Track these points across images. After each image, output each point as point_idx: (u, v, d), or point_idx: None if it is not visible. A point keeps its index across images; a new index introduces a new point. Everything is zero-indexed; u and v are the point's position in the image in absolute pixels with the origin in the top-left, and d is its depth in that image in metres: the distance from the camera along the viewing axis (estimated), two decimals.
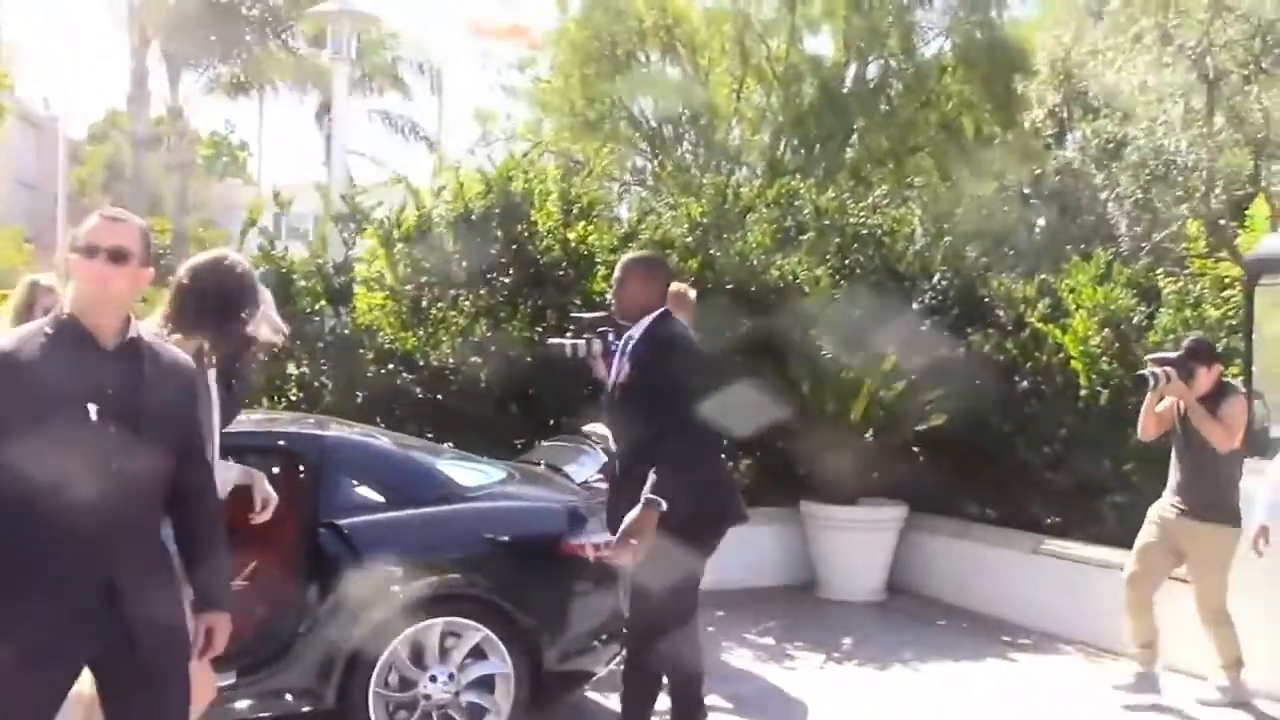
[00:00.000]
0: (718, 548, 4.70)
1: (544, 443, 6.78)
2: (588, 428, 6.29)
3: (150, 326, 3.40)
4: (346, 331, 7.88)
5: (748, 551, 8.23)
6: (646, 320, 4.56)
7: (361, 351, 7.85)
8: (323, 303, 7.92)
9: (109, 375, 2.92)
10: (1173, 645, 6.19)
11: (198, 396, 3.23)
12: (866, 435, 8.42)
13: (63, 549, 2.84)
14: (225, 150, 47.66)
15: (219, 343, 3.68)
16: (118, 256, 2.92)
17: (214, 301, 3.68)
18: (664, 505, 4.14)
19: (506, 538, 4.93)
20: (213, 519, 3.24)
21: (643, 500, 4.15)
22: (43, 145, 38.64)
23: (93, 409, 2.86)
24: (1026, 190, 9.60)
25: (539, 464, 6.05)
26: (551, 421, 8.06)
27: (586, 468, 5.74)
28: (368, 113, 26.47)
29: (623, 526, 4.21)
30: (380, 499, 4.83)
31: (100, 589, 2.88)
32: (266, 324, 3.88)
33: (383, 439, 5.21)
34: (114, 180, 34.25)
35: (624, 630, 5.19)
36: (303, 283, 7.90)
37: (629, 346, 4.58)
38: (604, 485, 5.59)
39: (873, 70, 12.66)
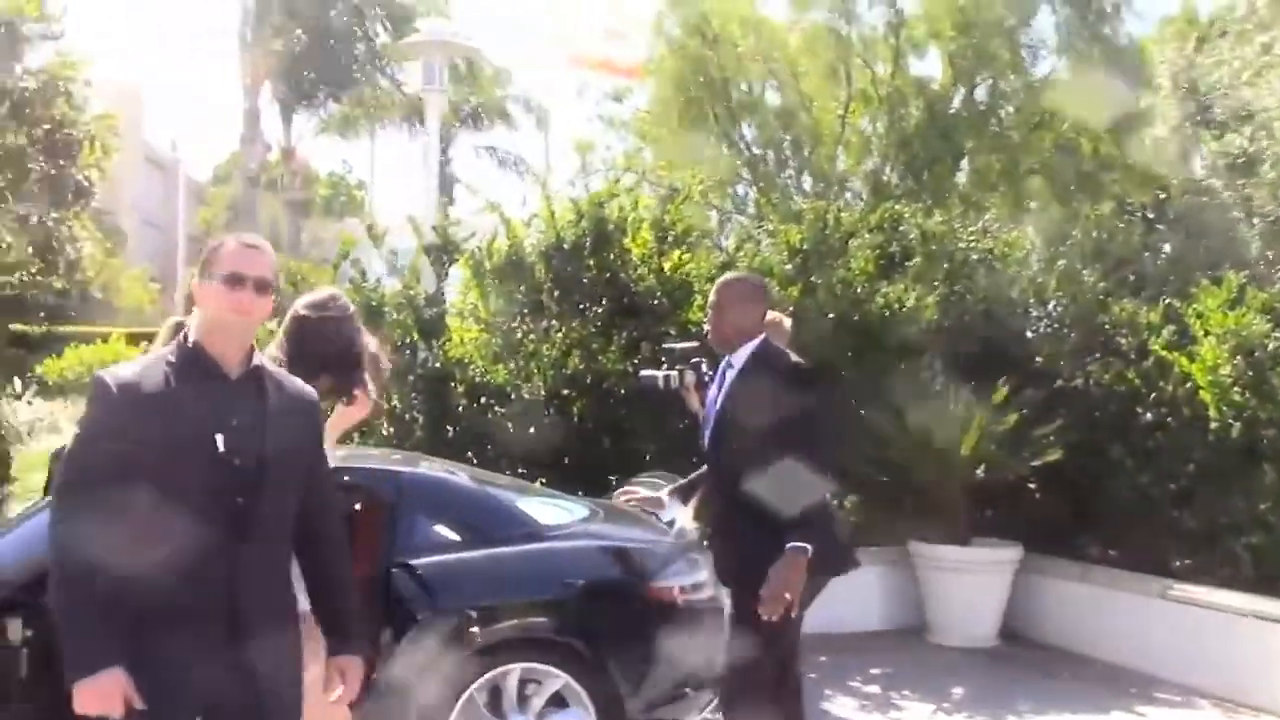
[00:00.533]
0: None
1: (634, 480, 6.51)
2: (641, 478, 6.05)
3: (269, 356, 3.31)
4: (437, 365, 7.73)
5: (854, 593, 7.84)
6: (749, 347, 4.22)
7: (453, 385, 7.71)
8: (414, 335, 7.79)
9: (235, 406, 2.82)
10: None
11: (321, 428, 3.08)
12: (978, 471, 8.00)
13: (190, 585, 2.72)
14: (343, 190, 48.75)
15: (336, 387, 3.69)
16: (262, 286, 2.86)
17: (335, 345, 3.79)
18: (810, 550, 3.78)
19: (588, 579, 4.69)
20: (341, 557, 3.09)
21: (790, 548, 3.76)
22: (168, 186, 39.99)
23: (220, 440, 2.76)
24: (1149, 212, 9.07)
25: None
26: (646, 457, 7.81)
27: (675, 507, 5.46)
28: (475, 148, 26.75)
29: (771, 581, 3.76)
30: (457, 538, 4.62)
31: (226, 624, 2.76)
32: (375, 380, 3.85)
33: (462, 475, 4.99)
34: (236, 220, 35.13)
35: (720, 677, 4.93)
36: (394, 315, 7.80)
37: (731, 376, 4.22)
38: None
39: (981, 92, 12.23)
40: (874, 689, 6.78)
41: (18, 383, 13.86)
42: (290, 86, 22.44)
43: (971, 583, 7.81)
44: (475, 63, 23.85)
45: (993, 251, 8.87)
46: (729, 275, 4.56)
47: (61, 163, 9.82)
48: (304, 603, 3.04)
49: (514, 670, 4.51)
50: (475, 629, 4.45)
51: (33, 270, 13.58)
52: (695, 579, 4.89)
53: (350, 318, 3.95)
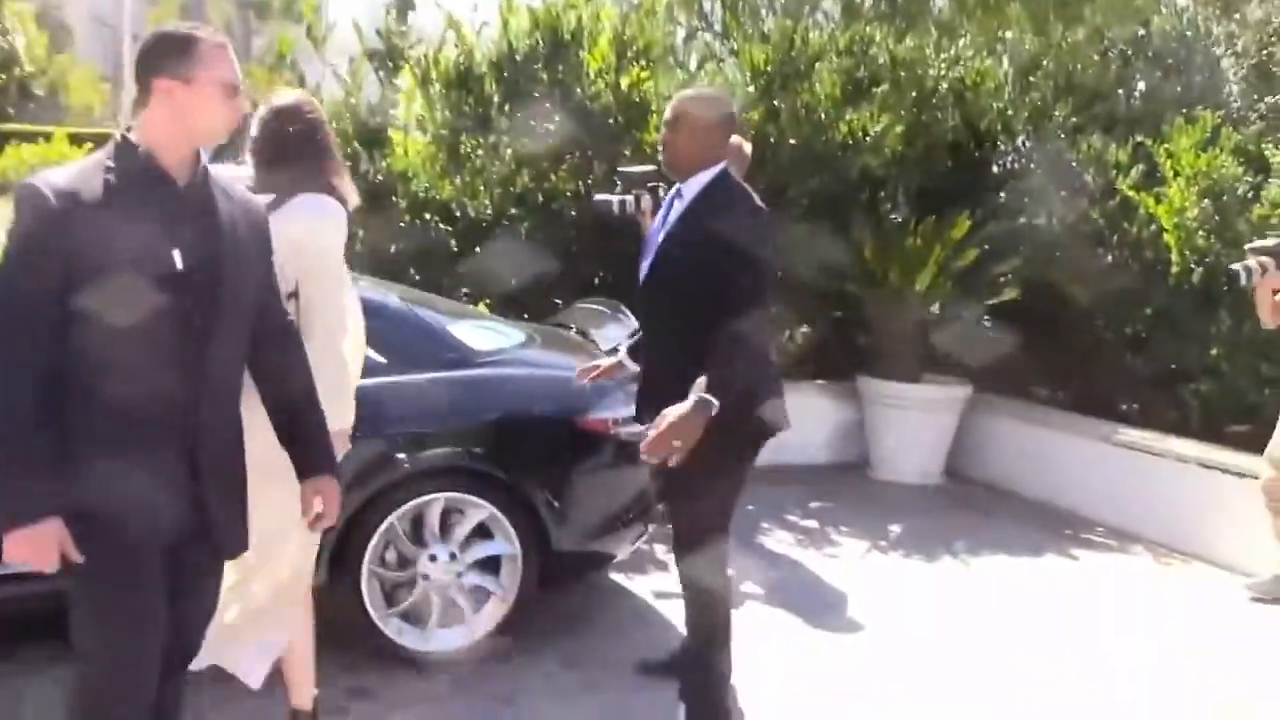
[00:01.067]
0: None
1: (579, 304, 6.30)
2: (587, 303, 5.82)
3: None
4: (379, 178, 7.39)
5: (799, 426, 7.63)
6: (703, 176, 3.70)
7: (395, 199, 7.39)
8: (355, 145, 7.42)
9: (187, 217, 2.54)
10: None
11: (270, 239, 2.81)
12: (932, 308, 7.84)
13: (147, 415, 2.49)
14: None
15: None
16: (238, 92, 2.63)
17: (310, 148, 3.48)
18: (716, 407, 3.41)
19: (516, 408, 4.49)
20: (305, 374, 2.87)
21: (694, 398, 3.40)
22: None
23: (177, 255, 2.49)
24: (1126, 47, 8.69)
25: (570, 328, 5.58)
26: (595, 281, 7.60)
27: (615, 334, 5.27)
28: None
29: (666, 419, 3.40)
30: (381, 361, 4.40)
31: (185, 456, 2.56)
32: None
33: (391, 296, 4.74)
34: (186, 19, 33.79)
35: (649, 511, 4.82)
36: (334, 124, 7.39)
37: (678, 210, 3.73)
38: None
39: None
40: (812, 523, 6.74)
41: None
42: None
43: (918, 420, 7.73)
44: None
45: (964, 81, 8.51)
46: (692, 91, 3.97)
47: None
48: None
49: (437, 500, 4.36)
50: (397, 456, 4.27)
51: None
52: (629, 410, 4.71)
53: (325, 122, 3.63)
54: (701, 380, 3.41)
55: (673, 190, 3.86)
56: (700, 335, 3.44)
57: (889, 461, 7.81)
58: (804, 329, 8.61)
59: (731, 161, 6.01)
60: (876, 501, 7.31)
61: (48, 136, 20.99)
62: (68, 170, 2.51)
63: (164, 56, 2.54)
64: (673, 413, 3.40)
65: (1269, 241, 5.56)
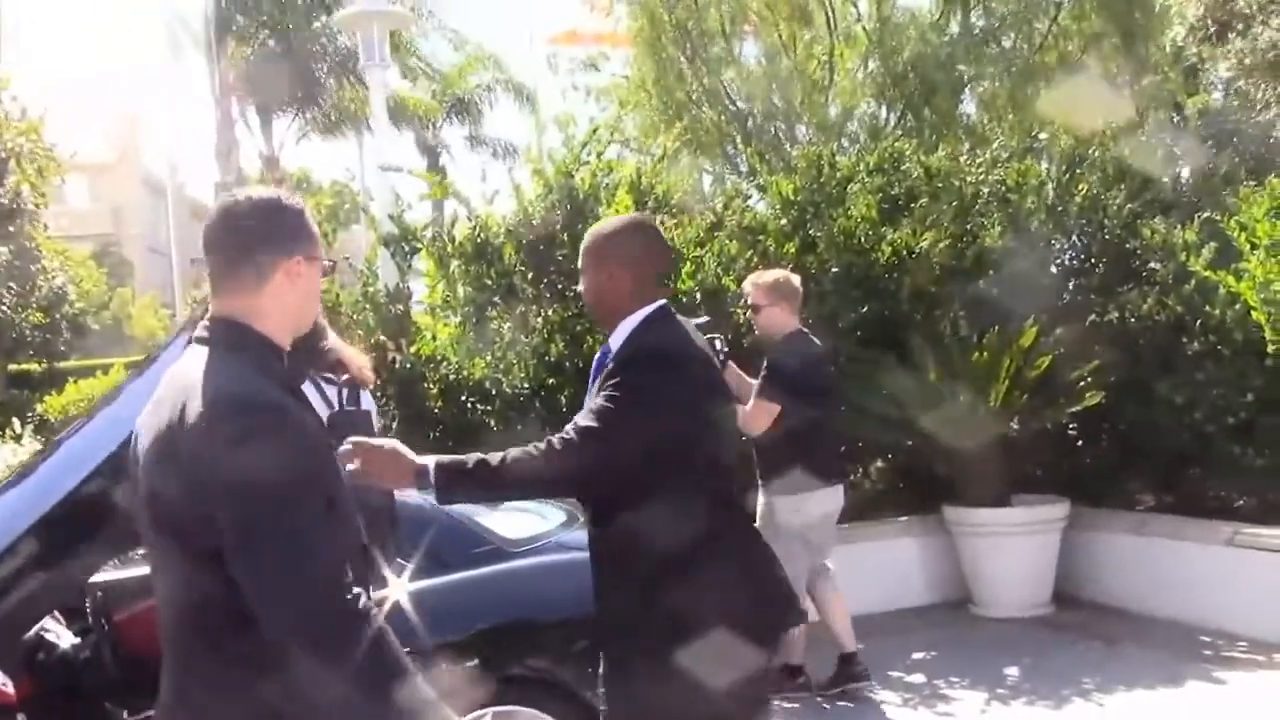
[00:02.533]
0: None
1: None
2: None
3: None
4: (408, 366, 7.04)
5: (887, 568, 7.22)
6: (629, 323, 2.94)
7: (425, 385, 7.03)
8: (379, 336, 7.10)
9: None
10: None
11: None
12: (1011, 424, 7.26)
13: None
14: (348, 197, 48.23)
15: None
16: None
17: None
18: (432, 478, 2.76)
19: (560, 601, 3.96)
20: None
21: (431, 460, 2.75)
22: (175, 211, 39.68)
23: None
24: (1174, 116, 8.26)
25: None
26: None
27: None
28: (466, 140, 26.05)
29: (385, 444, 2.70)
30: (406, 566, 3.93)
31: None
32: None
33: (409, 491, 4.28)
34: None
35: None
36: (355, 317, 7.11)
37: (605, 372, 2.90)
38: None
39: (978, 15, 11.41)
40: (918, 677, 6.08)
41: (17, 424, 13.36)
42: (264, 94, 21.77)
43: (1015, 546, 7.08)
44: (459, 42, 23.09)
45: (1005, 183, 8.10)
46: (600, 223, 3.22)
47: None
48: None
49: (485, 716, 3.82)
50: (433, 671, 3.75)
51: (6, 305, 13.05)
52: None
53: None
54: (494, 456, 2.79)
55: (600, 351, 3.22)
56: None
57: (990, 595, 7.13)
58: (878, 464, 8.06)
59: (782, 298, 5.67)
60: (985, 642, 6.62)
61: (105, 369, 21.19)
62: (252, 381, 2.07)
63: (291, 230, 2.19)
64: (391, 444, 2.72)
65: None
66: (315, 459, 2.04)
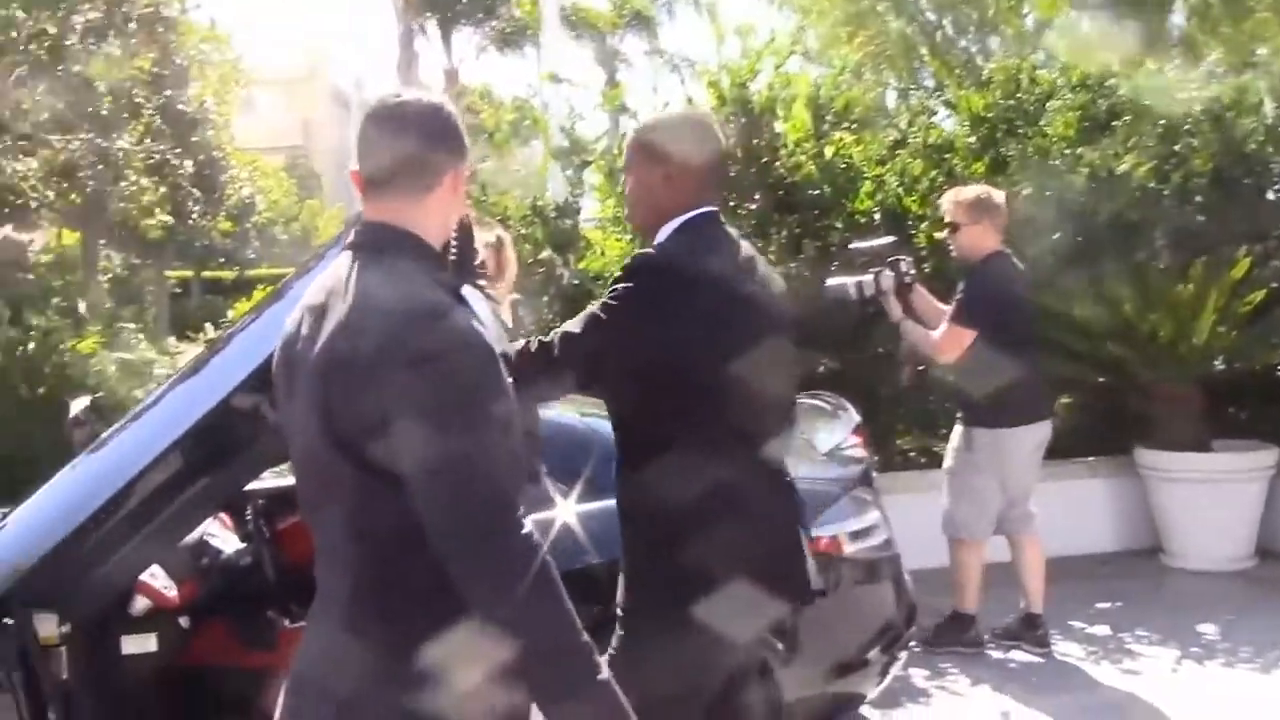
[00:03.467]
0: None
1: (803, 399, 5.54)
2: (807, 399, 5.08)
3: None
4: (575, 281, 6.90)
5: (1071, 510, 6.79)
6: (663, 234, 2.65)
7: (591, 301, 6.86)
8: (546, 251, 6.96)
9: None
10: None
11: None
12: (1215, 363, 6.72)
13: None
14: (528, 113, 48.57)
15: None
16: None
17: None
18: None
19: None
20: None
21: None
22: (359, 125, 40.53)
23: None
24: None
25: None
26: (821, 369, 6.86)
27: (836, 432, 4.51)
28: (644, 53, 25.71)
29: None
30: (563, 486, 3.78)
31: None
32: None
33: (568, 412, 4.13)
34: None
35: (900, 639, 4.03)
36: (522, 230, 6.98)
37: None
38: (859, 453, 4.41)
39: None
40: (1102, 629, 5.71)
41: (209, 328, 13.84)
42: (445, 7, 21.81)
43: (1215, 494, 6.57)
44: None
45: (1219, 101, 7.43)
46: (642, 124, 2.88)
47: (169, 93, 9.35)
48: None
49: None
50: (590, 595, 3.61)
51: (195, 213, 13.44)
52: (863, 523, 3.95)
53: None
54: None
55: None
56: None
57: (1184, 546, 6.66)
58: (1063, 399, 7.59)
59: (986, 214, 5.27)
60: (1178, 596, 6.20)
61: None
62: (430, 291, 1.94)
63: (458, 137, 2.05)
64: None
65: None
66: (495, 376, 1.89)
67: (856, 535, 3.88)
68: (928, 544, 5.34)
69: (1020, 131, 7.16)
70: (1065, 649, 5.44)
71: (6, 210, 11.99)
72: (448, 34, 23.82)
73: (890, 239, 5.48)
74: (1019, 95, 7.29)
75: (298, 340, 1.99)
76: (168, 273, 20.87)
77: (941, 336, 5.12)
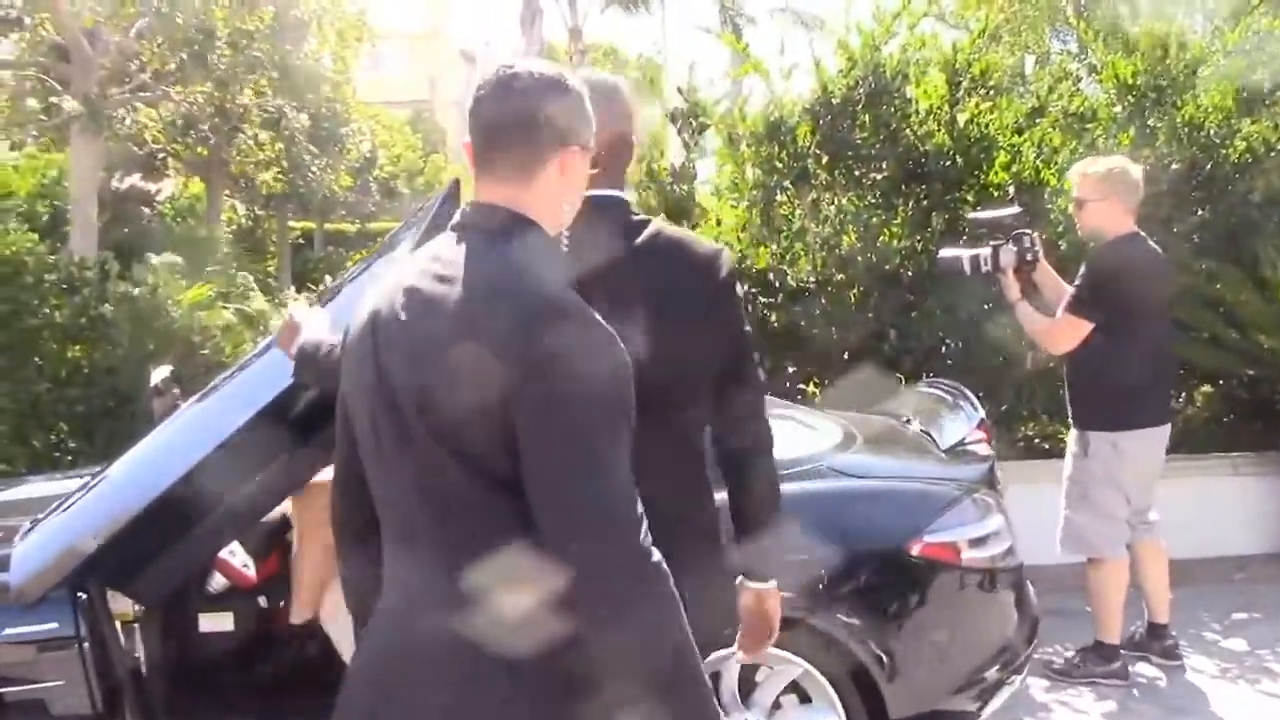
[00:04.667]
0: None
1: (919, 387, 5.21)
2: (919, 388, 4.75)
3: None
4: None
5: (1209, 509, 6.35)
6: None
7: None
8: (661, 218, 6.69)
9: None
10: None
11: None
12: None
13: None
14: (649, 73, 48.26)
15: None
16: None
17: None
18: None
19: (828, 534, 3.47)
20: None
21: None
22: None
23: None
24: None
25: (903, 418, 4.52)
26: (944, 352, 6.53)
27: (959, 426, 4.19)
28: (770, 11, 25.21)
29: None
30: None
31: None
32: None
33: None
34: None
35: (1019, 658, 3.73)
36: (638, 194, 6.74)
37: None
38: (983, 450, 4.09)
39: None
40: (1238, 643, 5.29)
41: (329, 279, 13.95)
42: None
43: None
44: None
45: None
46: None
47: (288, 48, 9.30)
48: None
49: (731, 654, 3.43)
50: None
51: (317, 167, 13.49)
52: (984, 529, 3.64)
53: None
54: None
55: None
56: None
57: None
58: (1205, 389, 7.11)
59: (1121, 191, 4.84)
60: None
61: None
62: (556, 280, 1.80)
63: (571, 115, 1.88)
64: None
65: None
66: (626, 378, 1.74)
67: (976, 542, 3.57)
68: (1055, 540, 4.98)
69: (1170, 100, 6.66)
70: (1196, 663, 5.05)
71: (134, 160, 12.15)
72: None
73: (1014, 209, 5.07)
74: (1168, 62, 6.77)
75: (393, 320, 1.83)
76: (291, 224, 21.13)
77: (1055, 324, 4.71)
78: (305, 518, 3.55)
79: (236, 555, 3.71)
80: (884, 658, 3.41)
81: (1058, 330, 4.71)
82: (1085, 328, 4.63)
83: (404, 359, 1.78)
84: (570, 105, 1.87)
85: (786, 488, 3.47)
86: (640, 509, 1.68)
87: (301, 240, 23.90)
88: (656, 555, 1.68)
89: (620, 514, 1.66)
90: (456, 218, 1.89)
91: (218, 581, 3.67)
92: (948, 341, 6.50)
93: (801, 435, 3.98)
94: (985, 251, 4.82)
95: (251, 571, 3.74)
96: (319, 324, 2.75)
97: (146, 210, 12.73)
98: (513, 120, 1.84)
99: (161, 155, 12.34)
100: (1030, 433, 6.85)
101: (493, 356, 1.66)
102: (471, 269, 1.77)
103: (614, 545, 1.66)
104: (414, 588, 1.85)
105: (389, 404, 1.79)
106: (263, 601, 3.77)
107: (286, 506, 3.72)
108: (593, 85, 2.13)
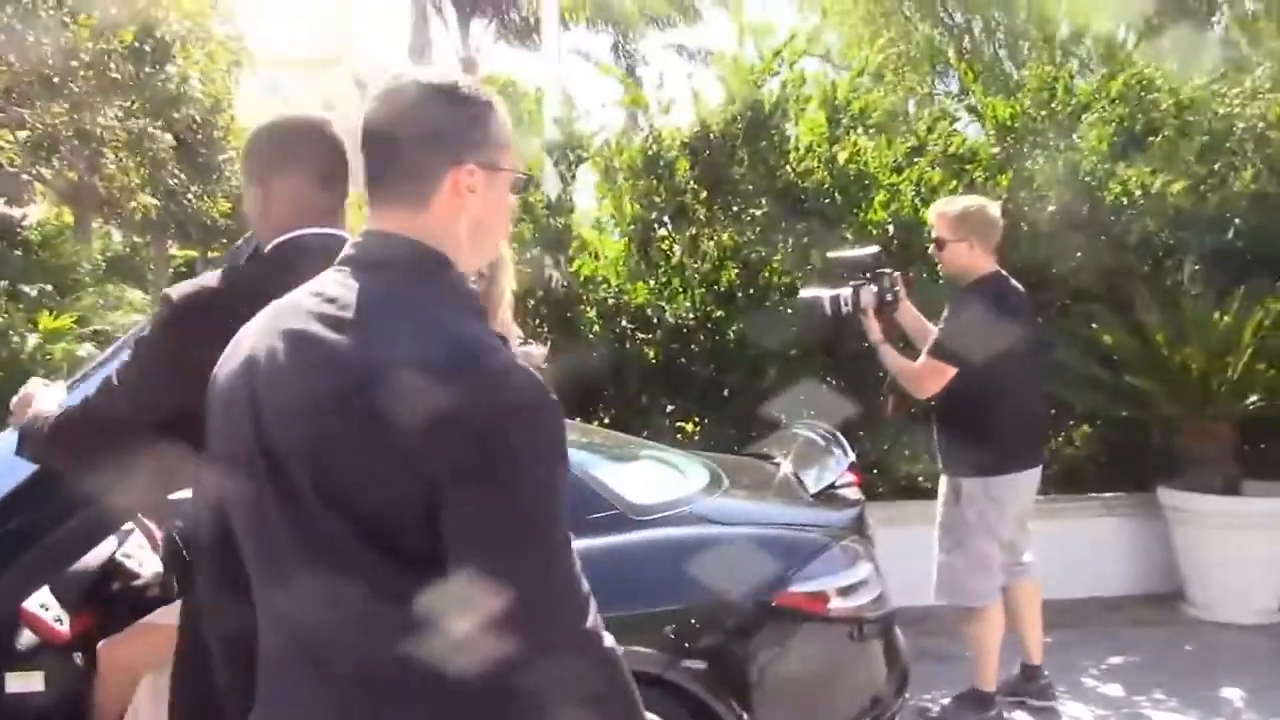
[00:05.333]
0: None
1: (794, 428, 5.05)
2: (794, 429, 4.65)
3: None
4: (564, 285, 6.45)
5: (1085, 550, 6.33)
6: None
7: (582, 308, 6.44)
8: (536, 251, 6.51)
9: None
10: None
11: None
12: (1248, 400, 6.24)
13: None
14: (528, 103, 48.17)
15: None
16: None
17: None
18: None
19: (689, 584, 3.28)
20: None
21: None
22: None
23: None
24: None
25: (772, 459, 4.37)
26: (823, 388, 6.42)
27: (829, 469, 4.05)
28: (663, 47, 25.22)
29: None
30: None
31: None
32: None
33: None
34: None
35: (890, 710, 3.58)
36: (511, 227, 6.53)
37: None
38: (853, 494, 3.95)
39: None
40: (1114, 689, 5.23)
41: None
42: None
43: (1245, 540, 6.08)
44: None
45: (1264, 118, 6.95)
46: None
47: (149, 69, 8.93)
48: None
49: None
50: None
51: (193, 193, 13.07)
52: (854, 576, 3.50)
53: None
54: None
55: None
56: None
57: (1211, 594, 6.17)
58: (1083, 429, 7.12)
59: (981, 231, 4.78)
60: (1201, 650, 5.70)
61: None
62: (474, 324, 1.57)
63: (466, 126, 1.63)
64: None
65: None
66: (561, 432, 1.51)
67: (845, 591, 3.42)
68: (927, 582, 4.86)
69: (1051, 144, 6.69)
70: (1072, 710, 4.97)
71: None
72: (465, 20, 23.38)
73: (873, 249, 4.97)
74: (1053, 105, 6.81)
75: (275, 369, 1.56)
76: (173, 252, 20.51)
77: (919, 368, 4.60)
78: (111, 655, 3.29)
79: (50, 609, 3.39)
80: (746, 716, 3.23)
81: (921, 374, 4.60)
82: (949, 372, 4.52)
83: (287, 416, 1.53)
84: (465, 115, 1.63)
85: (651, 533, 3.32)
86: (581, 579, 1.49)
87: (184, 269, 23.19)
88: (609, 639, 1.50)
89: (578, 603, 1.47)
90: (347, 250, 1.65)
91: (26, 637, 3.35)
92: (828, 380, 6.40)
93: (669, 477, 3.81)
94: (846, 292, 4.70)
95: (65, 626, 3.43)
96: (52, 399, 2.57)
97: (4, 238, 12.19)
98: (396, 135, 1.61)
99: (26, 179, 11.80)
100: (914, 472, 6.77)
101: (415, 415, 1.41)
102: (374, 310, 1.52)
103: (573, 642, 1.47)
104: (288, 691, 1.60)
105: (270, 463, 1.53)
106: (78, 659, 3.45)
107: (104, 552, 3.42)
108: (294, 125, 2.27)
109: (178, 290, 2.28)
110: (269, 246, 2.36)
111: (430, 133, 1.60)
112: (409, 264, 1.58)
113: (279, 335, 1.58)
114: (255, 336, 1.63)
